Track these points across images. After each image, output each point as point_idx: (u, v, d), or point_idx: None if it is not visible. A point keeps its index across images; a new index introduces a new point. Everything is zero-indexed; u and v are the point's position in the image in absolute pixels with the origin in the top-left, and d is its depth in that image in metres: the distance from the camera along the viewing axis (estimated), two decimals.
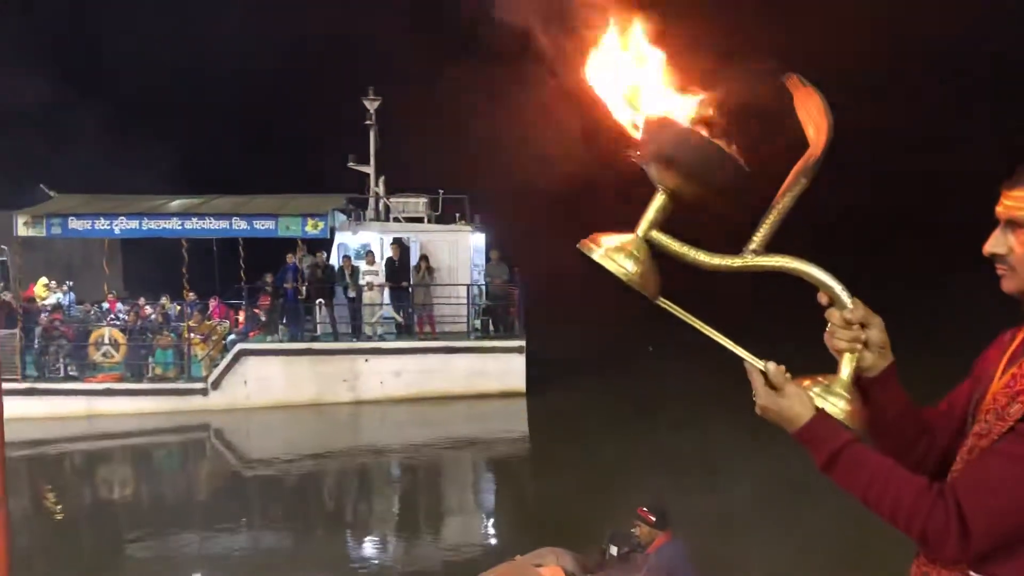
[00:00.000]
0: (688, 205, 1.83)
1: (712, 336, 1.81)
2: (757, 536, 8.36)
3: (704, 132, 1.79)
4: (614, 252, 1.80)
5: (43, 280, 19.67)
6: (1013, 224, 1.53)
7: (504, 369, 16.83)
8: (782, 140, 1.90)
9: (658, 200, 1.83)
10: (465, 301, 18.12)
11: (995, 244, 1.56)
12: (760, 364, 1.70)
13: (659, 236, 1.83)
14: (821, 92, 1.70)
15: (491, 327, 18.21)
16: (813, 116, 1.73)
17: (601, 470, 11.37)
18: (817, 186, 1.75)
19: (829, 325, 1.72)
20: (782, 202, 1.80)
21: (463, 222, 19.56)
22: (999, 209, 1.55)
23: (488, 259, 18.92)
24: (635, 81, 1.88)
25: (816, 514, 7.97)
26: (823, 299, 1.74)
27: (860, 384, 1.72)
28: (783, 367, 1.68)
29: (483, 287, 18.58)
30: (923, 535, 1.48)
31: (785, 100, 1.79)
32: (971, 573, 1.51)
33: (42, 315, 17.56)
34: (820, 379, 1.76)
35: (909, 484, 1.50)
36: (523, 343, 16.93)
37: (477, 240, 19.91)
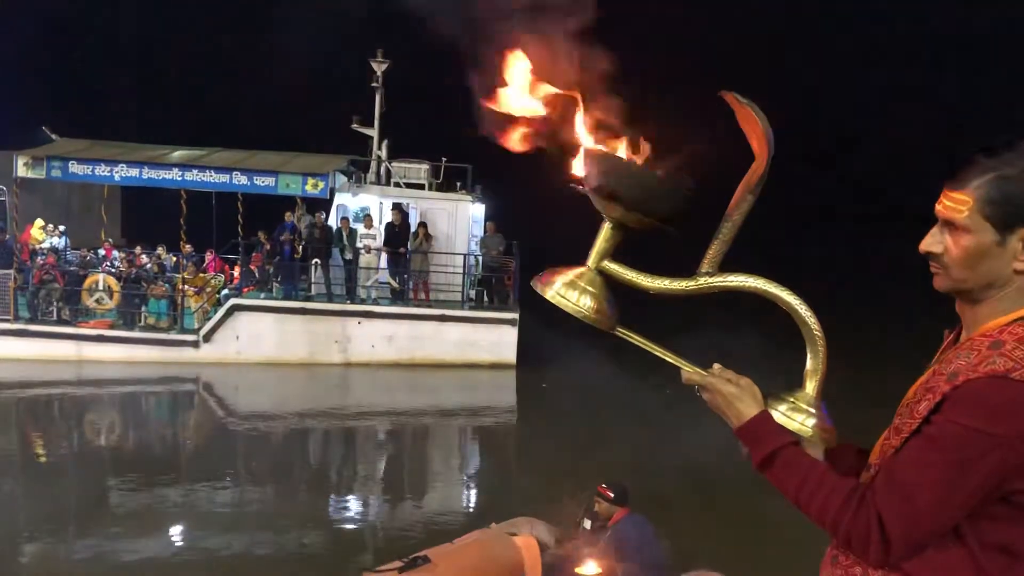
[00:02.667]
0: (637, 233, 1.80)
1: (672, 361, 1.79)
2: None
3: (643, 161, 1.77)
4: (566, 290, 1.78)
5: (39, 222, 19.60)
6: (950, 225, 1.51)
7: (496, 340, 16.85)
8: (733, 156, 1.86)
9: (605, 230, 1.81)
10: (461, 270, 18.10)
11: (931, 243, 1.54)
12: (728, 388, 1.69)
13: (610, 265, 1.82)
14: (757, 108, 1.68)
15: (485, 298, 18.20)
16: (755, 131, 1.70)
17: (584, 446, 11.42)
18: None
19: None
20: (731, 220, 1.77)
21: (464, 191, 19.45)
22: (938, 207, 1.53)
23: (485, 230, 18.88)
24: (577, 115, 1.85)
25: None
26: None
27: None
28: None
29: (479, 257, 18.54)
30: (848, 541, 1.48)
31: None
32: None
33: (38, 257, 17.55)
34: (785, 396, 1.75)
35: (838, 489, 1.50)
36: (516, 316, 16.91)
37: (477, 210, 19.80)
